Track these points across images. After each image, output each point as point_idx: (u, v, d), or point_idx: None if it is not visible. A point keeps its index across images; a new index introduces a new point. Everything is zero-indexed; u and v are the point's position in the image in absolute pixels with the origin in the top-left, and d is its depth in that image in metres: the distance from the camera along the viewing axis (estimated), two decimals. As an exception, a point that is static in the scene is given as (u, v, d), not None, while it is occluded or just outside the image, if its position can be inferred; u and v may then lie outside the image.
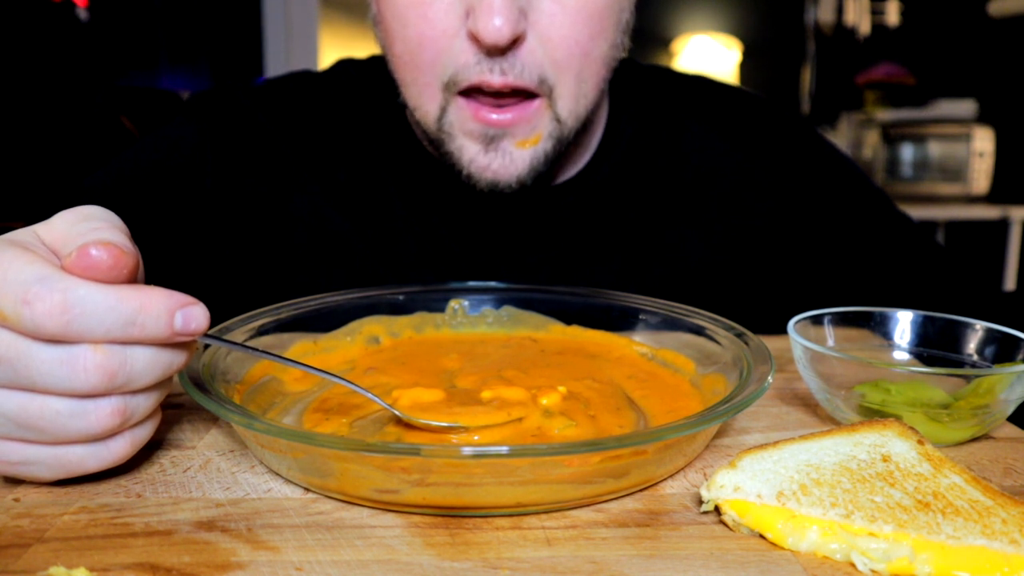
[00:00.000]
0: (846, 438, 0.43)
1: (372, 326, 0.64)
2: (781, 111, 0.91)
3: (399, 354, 0.61)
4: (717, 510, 0.40)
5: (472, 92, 0.68)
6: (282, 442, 0.40)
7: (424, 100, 0.70)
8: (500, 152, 0.69)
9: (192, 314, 0.39)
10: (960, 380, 0.51)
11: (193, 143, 0.80)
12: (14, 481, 0.42)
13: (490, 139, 0.69)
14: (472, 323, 0.68)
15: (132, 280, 0.39)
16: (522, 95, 0.68)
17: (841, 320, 0.59)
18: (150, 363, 0.39)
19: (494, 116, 0.67)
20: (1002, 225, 3.11)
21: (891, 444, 0.42)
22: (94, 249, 0.37)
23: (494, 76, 0.66)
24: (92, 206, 0.43)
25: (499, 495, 0.39)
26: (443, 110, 0.69)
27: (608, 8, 0.68)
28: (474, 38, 0.65)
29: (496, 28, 0.62)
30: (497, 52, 0.65)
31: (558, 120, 0.70)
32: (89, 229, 0.39)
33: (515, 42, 0.65)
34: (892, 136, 3.27)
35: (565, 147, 0.73)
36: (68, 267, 0.37)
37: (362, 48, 3.25)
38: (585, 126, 0.75)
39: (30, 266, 0.37)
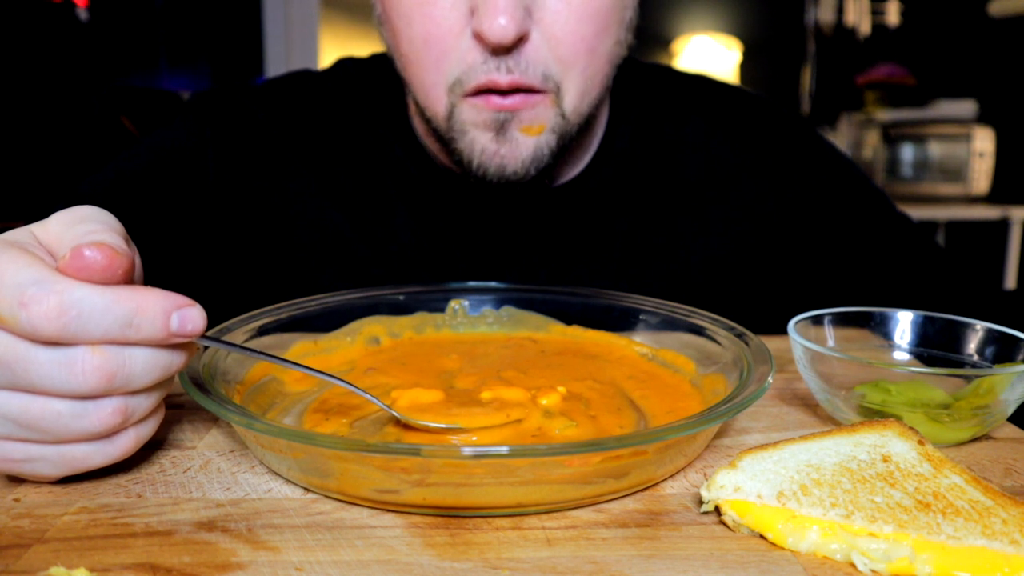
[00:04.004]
0: (846, 438, 0.43)
1: (372, 326, 0.64)
2: (782, 111, 0.91)
3: (399, 354, 0.61)
4: (717, 510, 0.40)
5: (479, 92, 0.68)
6: (282, 442, 0.40)
7: (432, 101, 0.70)
8: (508, 139, 0.69)
9: (189, 315, 0.39)
10: (960, 380, 0.51)
11: (194, 143, 0.80)
12: (15, 481, 0.42)
13: (500, 124, 0.69)
14: (472, 323, 0.68)
15: (129, 281, 0.39)
16: (527, 91, 0.68)
17: (841, 320, 0.59)
18: (149, 364, 0.39)
19: (504, 101, 0.67)
20: (1002, 225, 3.11)
21: (891, 444, 0.42)
22: (88, 250, 0.37)
23: (501, 75, 0.66)
24: (88, 207, 0.43)
25: (499, 495, 0.39)
26: (451, 111, 0.69)
27: (613, 5, 0.68)
28: (479, 37, 0.65)
29: (501, 27, 0.62)
30: (502, 51, 0.65)
31: (563, 115, 0.70)
32: (85, 231, 0.39)
33: (520, 40, 0.65)
34: (892, 136, 3.27)
35: (568, 142, 0.73)
36: (62, 269, 0.37)
37: (362, 48, 3.24)
38: (588, 124, 0.75)
39: (27, 268, 0.37)
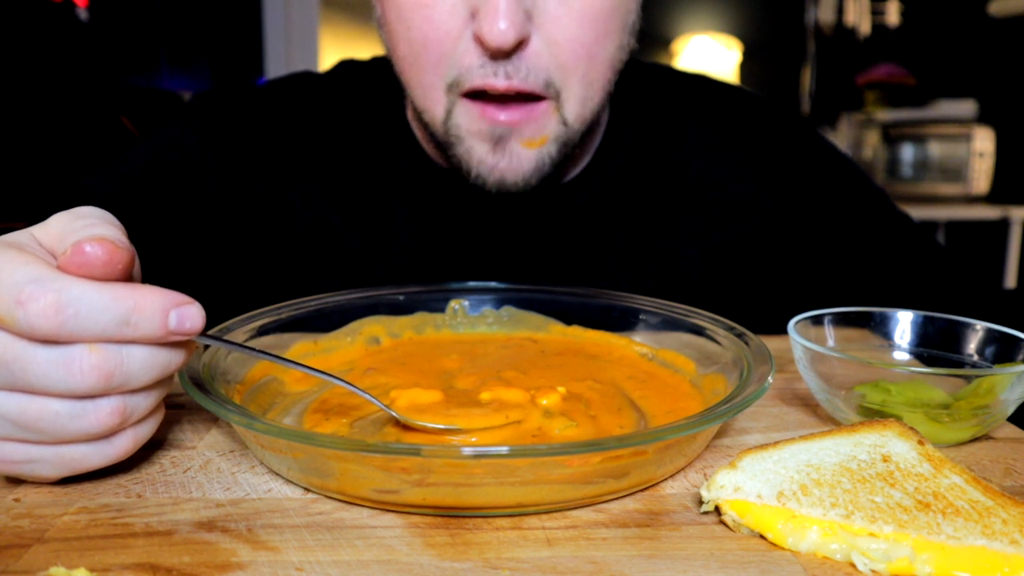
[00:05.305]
0: (846, 438, 0.43)
1: (372, 326, 0.64)
2: (781, 111, 0.91)
3: (399, 354, 0.61)
4: (717, 510, 0.40)
5: (477, 95, 0.67)
6: (282, 442, 0.40)
7: (430, 103, 0.70)
8: (507, 152, 0.69)
9: (187, 313, 0.39)
10: (960, 380, 0.51)
11: (195, 144, 0.80)
12: (14, 481, 0.42)
13: (497, 138, 0.68)
14: (472, 323, 0.68)
15: (127, 278, 0.39)
16: (527, 98, 0.67)
17: (841, 320, 0.59)
18: (147, 363, 0.39)
19: (502, 116, 0.67)
20: (1002, 225, 3.11)
21: (891, 444, 0.42)
22: (88, 245, 0.37)
23: (499, 80, 0.65)
24: (88, 207, 0.43)
25: (499, 495, 0.39)
26: (449, 112, 0.69)
27: (614, 10, 0.68)
28: (479, 41, 0.64)
29: (501, 32, 0.62)
30: (502, 55, 0.65)
31: (564, 123, 0.69)
32: (83, 226, 0.39)
33: (520, 45, 0.65)
34: (892, 136, 3.27)
35: (571, 150, 0.72)
36: (63, 265, 0.37)
37: (363, 49, 3.25)
38: (590, 127, 0.74)
39: (24, 267, 0.37)
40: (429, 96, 0.70)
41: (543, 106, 0.68)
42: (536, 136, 0.69)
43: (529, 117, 0.67)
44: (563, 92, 0.68)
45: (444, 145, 0.71)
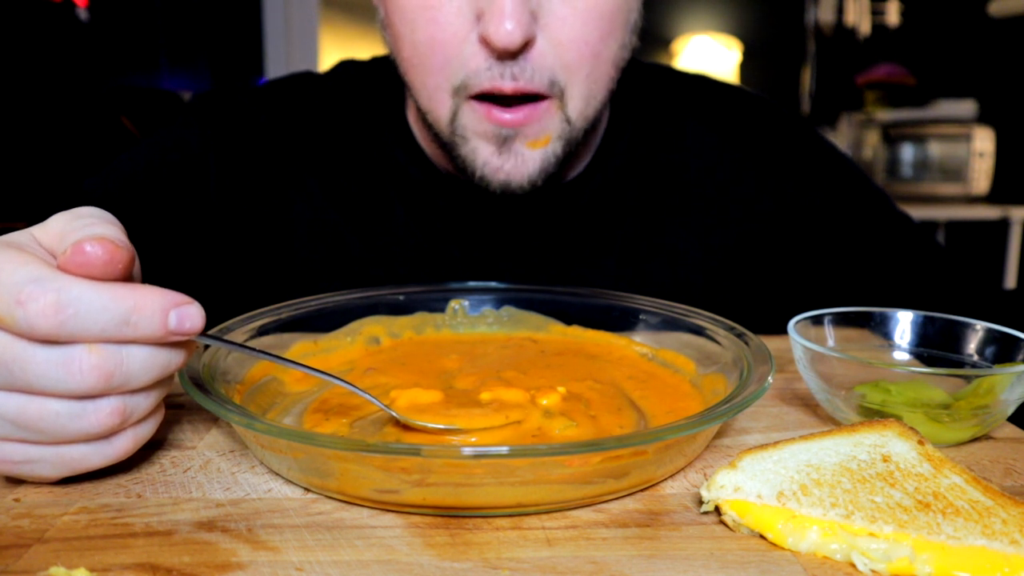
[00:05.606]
0: (846, 438, 0.43)
1: (372, 326, 0.64)
2: (781, 111, 0.91)
3: (399, 354, 0.61)
4: (717, 510, 0.40)
5: (483, 96, 0.67)
6: (282, 442, 0.40)
7: (435, 104, 0.70)
8: (512, 153, 0.69)
9: (187, 313, 0.39)
10: (960, 380, 0.51)
11: (195, 144, 0.80)
12: (14, 481, 0.42)
13: (503, 140, 0.68)
14: (472, 323, 0.68)
15: (127, 278, 0.39)
16: (532, 98, 0.67)
17: (841, 320, 0.59)
18: (147, 363, 0.39)
19: (507, 116, 0.67)
20: (1002, 225, 3.11)
21: (891, 444, 0.42)
22: (88, 245, 0.37)
23: (505, 81, 0.65)
24: (88, 207, 0.43)
25: (499, 495, 0.39)
26: (454, 114, 0.69)
27: (618, 9, 0.68)
28: (485, 42, 0.64)
29: (508, 32, 0.62)
30: (508, 56, 0.65)
31: (568, 121, 0.69)
32: (83, 226, 0.39)
33: (526, 46, 0.65)
34: (892, 136, 3.27)
35: (574, 147, 0.72)
36: (63, 264, 0.37)
37: (363, 49, 3.25)
38: (592, 125, 0.74)
39: (24, 267, 0.37)
40: (434, 98, 0.69)
41: (546, 104, 0.68)
42: (540, 136, 0.69)
43: (532, 116, 0.67)
44: (567, 91, 0.68)
45: (448, 145, 0.71)
